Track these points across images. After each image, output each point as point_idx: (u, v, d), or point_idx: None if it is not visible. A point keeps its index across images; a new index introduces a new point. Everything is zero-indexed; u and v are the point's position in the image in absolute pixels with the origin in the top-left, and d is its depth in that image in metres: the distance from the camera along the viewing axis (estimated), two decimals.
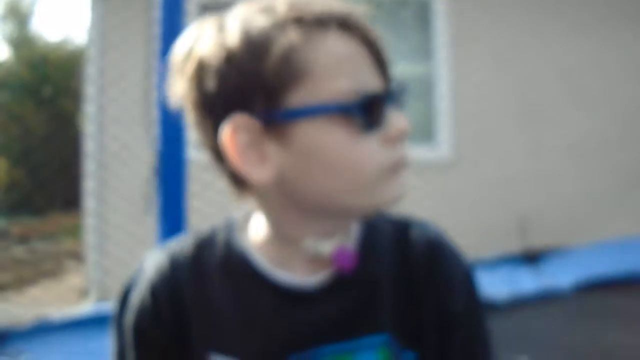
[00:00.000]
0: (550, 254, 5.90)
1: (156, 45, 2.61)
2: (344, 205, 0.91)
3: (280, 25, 0.87)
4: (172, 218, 2.53)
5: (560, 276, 5.26)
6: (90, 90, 6.06)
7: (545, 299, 4.89)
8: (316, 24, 0.87)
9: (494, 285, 4.83)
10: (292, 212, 0.94)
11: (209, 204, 3.48)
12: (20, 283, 7.42)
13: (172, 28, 2.51)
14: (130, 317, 1.00)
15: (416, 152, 5.96)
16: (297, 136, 0.87)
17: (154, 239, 2.63)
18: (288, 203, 0.93)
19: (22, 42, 18.53)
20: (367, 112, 0.87)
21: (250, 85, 0.86)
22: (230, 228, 1.02)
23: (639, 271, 5.27)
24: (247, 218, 1.03)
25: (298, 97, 0.86)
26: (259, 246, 0.99)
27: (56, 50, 17.30)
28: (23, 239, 10.33)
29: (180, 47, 0.93)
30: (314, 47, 0.86)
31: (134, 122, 4.41)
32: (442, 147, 6.19)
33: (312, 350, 0.94)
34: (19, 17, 19.72)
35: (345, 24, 0.89)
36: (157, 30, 2.59)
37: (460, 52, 6.12)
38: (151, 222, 2.72)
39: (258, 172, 0.89)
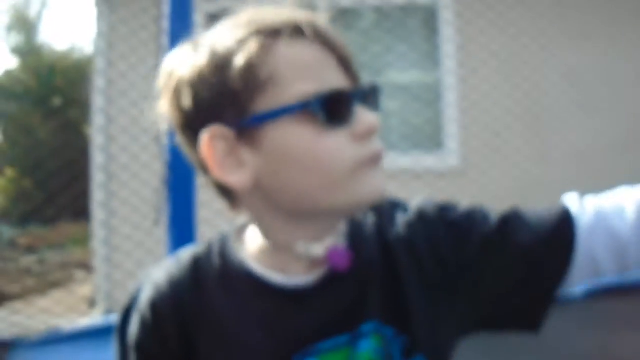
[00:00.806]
0: None
1: (164, 56, 2.61)
2: (321, 204, 0.94)
3: (243, 39, 0.93)
4: (181, 229, 2.53)
5: None
6: (98, 101, 6.08)
7: (555, 305, 4.87)
8: (276, 34, 0.93)
9: None
10: (278, 218, 0.98)
11: (219, 214, 3.46)
12: (28, 293, 7.43)
13: (180, 39, 2.50)
14: (132, 337, 1.02)
15: (425, 161, 5.96)
16: (267, 139, 0.92)
17: (164, 250, 2.62)
18: (271, 208, 0.97)
19: (30, 51, 18.57)
20: (328, 108, 0.91)
21: (219, 97, 0.93)
22: (225, 240, 1.06)
23: None
24: (242, 230, 1.07)
25: (264, 104, 0.92)
26: (255, 255, 1.02)
27: (63, 59, 17.33)
28: (30, 249, 10.35)
29: (163, 70, 1.00)
30: (274, 55, 0.92)
31: (143, 133, 4.41)
32: (450, 156, 6.18)
33: (314, 346, 0.97)
34: (26, 26, 19.79)
35: (304, 32, 0.94)
36: (165, 41, 2.59)
37: (467, 61, 6.11)
38: (160, 233, 2.72)
39: (237, 178, 0.95)
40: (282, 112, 0.91)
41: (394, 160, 5.70)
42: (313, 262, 1.00)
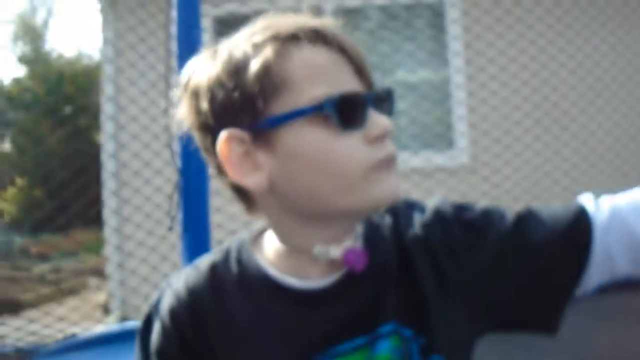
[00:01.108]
0: None
1: (173, 61, 2.62)
2: (335, 207, 0.95)
3: (259, 44, 0.95)
4: (195, 234, 2.54)
5: None
6: (108, 108, 6.09)
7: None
8: (290, 39, 0.95)
9: None
10: (294, 220, 0.99)
11: (233, 219, 3.46)
12: (43, 301, 7.45)
13: (188, 44, 2.53)
14: (154, 344, 1.04)
15: (435, 160, 5.95)
16: (281, 142, 0.94)
17: (178, 255, 2.63)
18: (287, 210, 0.98)
19: (36, 59, 18.57)
20: (342, 110, 0.92)
21: (235, 101, 0.94)
22: (243, 246, 1.07)
23: None
24: (259, 235, 1.08)
25: (279, 107, 0.93)
26: (272, 260, 1.03)
27: (72, 66, 17.30)
28: (43, 257, 10.37)
29: (182, 76, 1.02)
30: (288, 60, 0.94)
31: (155, 140, 4.42)
32: (460, 154, 6.17)
33: (333, 348, 0.98)
34: (33, 35, 19.83)
35: (318, 37, 0.96)
36: (174, 46, 2.61)
37: (475, 58, 6.10)
38: (174, 239, 2.72)
39: (253, 181, 0.96)
40: (296, 114, 0.92)
41: (405, 160, 5.69)
42: (330, 265, 1.00)
